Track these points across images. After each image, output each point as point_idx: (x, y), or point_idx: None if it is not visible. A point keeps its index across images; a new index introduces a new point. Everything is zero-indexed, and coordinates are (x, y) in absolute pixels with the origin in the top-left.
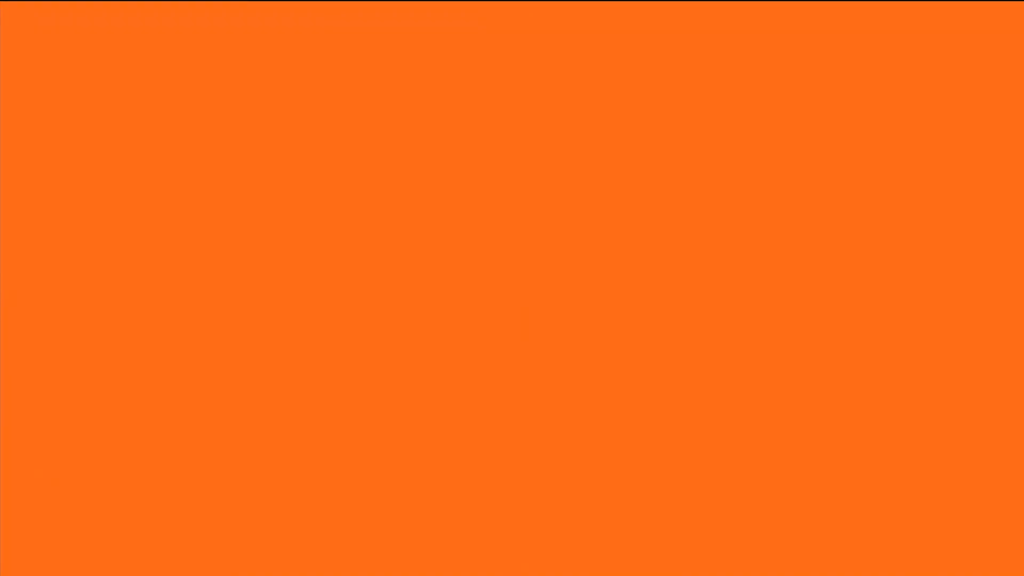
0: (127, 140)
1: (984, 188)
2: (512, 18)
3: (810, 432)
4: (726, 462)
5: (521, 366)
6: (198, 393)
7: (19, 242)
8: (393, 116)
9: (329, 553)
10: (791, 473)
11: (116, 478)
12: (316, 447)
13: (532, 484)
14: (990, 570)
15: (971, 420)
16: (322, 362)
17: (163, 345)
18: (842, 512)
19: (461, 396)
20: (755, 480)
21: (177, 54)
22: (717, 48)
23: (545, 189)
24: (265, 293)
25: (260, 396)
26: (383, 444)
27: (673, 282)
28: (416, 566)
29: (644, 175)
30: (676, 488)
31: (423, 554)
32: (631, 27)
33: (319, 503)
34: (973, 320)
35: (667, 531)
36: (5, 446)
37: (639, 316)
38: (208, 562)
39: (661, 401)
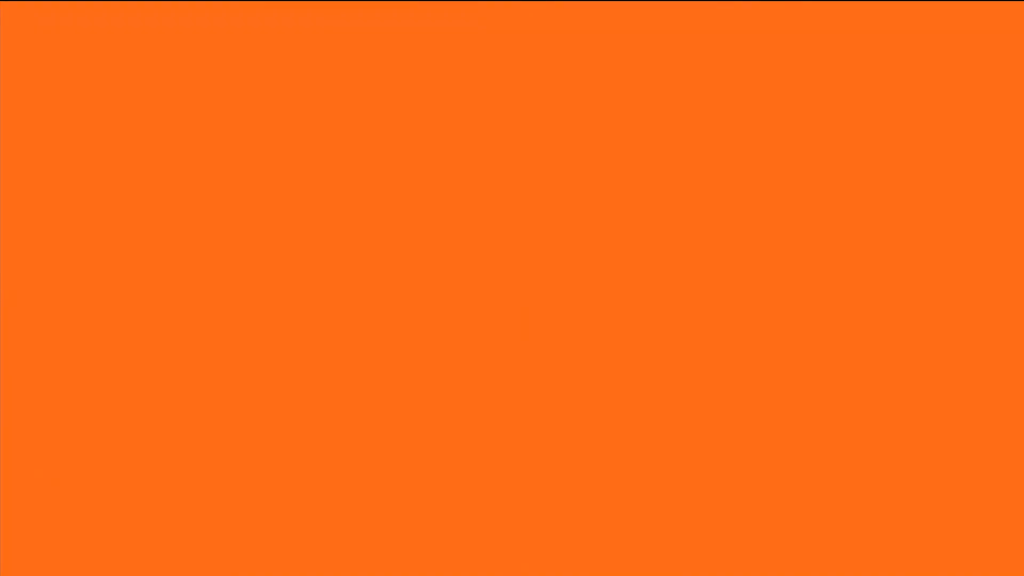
0: (127, 140)
1: (984, 188)
2: (512, 18)
3: (810, 432)
4: (726, 462)
5: (521, 366)
6: (198, 393)
7: (19, 242)
8: (393, 116)
9: (329, 553)
10: (791, 473)
11: (116, 478)
12: (316, 447)
13: (532, 484)
14: (990, 570)
15: (971, 420)
16: (322, 361)
17: (163, 345)
18: (842, 512)
19: (461, 396)
20: (755, 480)
21: (177, 54)
22: (717, 48)
23: (545, 189)
24: (265, 293)
25: (260, 396)
26: (383, 444)
27: (673, 282)
28: (416, 566)
29: (644, 175)
30: (676, 488)
31: (423, 554)
32: (631, 27)
33: (319, 503)
34: (973, 320)
35: (667, 531)
36: (5, 446)
37: (639, 316)
38: (208, 562)
39: (661, 401)
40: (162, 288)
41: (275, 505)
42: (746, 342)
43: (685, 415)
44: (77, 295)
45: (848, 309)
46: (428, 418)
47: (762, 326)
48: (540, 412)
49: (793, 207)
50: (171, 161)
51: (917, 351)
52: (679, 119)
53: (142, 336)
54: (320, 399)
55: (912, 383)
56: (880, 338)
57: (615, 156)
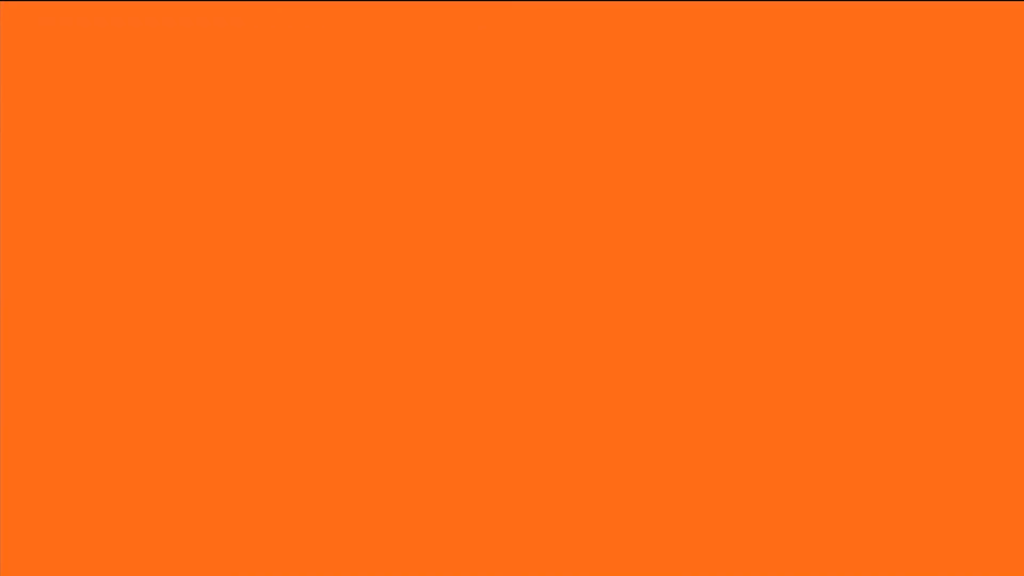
0: (127, 140)
1: (984, 188)
2: (512, 18)
3: (810, 432)
4: (726, 462)
5: (521, 365)
6: (198, 393)
7: (19, 242)
8: (393, 116)
9: (329, 553)
10: (791, 473)
11: (116, 478)
12: (316, 447)
13: (532, 484)
14: (990, 570)
15: (971, 420)
16: (322, 361)
17: (163, 345)
18: (842, 512)
19: (461, 396)
20: (755, 480)
21: (177, 54)
22: (717, 48)
23: (545, 189)
24: (265, 293)
25: (260, 396)
26: (383, 444)
27: (673, 282)
28: (416, 566)
29: (644, 175)
30: (676, 488)
31: (423, 554)
32: (631, 27)
33: (319, 503)
34: (973, 319)
35: (667, 531)
36: (5, 446)
37: (639, 315)
38: (208, 562)
39: (661, 401)
40: (162, 287)
41: (275, 505)
42: (746, 342)
43: (685, 415)
44: (77, 295)
45: (848, 309)
46: (428, 418)
47: (762, 326)
48: (540, 412)
49: (793, 207)
50: (171, 161)
51: (917, 351)
52: (679, 119)
53: (142, 336)
54: (320, 399)
55: (912, 383)
56: (880, 338)
57: (615, 156)
